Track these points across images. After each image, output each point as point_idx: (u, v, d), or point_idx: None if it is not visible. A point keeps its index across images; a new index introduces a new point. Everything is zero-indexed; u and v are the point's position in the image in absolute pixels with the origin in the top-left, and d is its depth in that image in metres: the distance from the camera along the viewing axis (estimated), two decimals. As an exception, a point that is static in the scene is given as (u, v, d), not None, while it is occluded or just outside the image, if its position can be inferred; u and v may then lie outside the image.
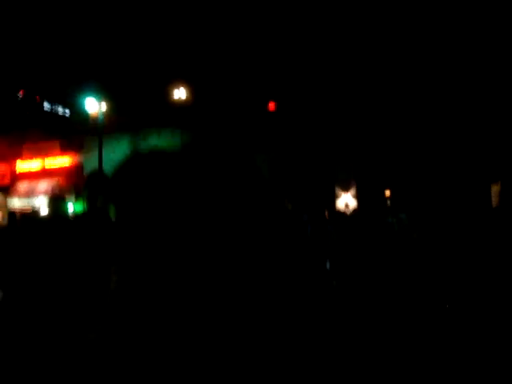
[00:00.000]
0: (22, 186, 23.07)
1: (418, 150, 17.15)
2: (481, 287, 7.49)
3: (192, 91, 20.85)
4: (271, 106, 20.95)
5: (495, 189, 15.39)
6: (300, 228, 10.73)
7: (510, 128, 15.46)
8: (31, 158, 23.38)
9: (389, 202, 18.60)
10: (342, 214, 14.15)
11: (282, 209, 11.80)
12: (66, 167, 22.60)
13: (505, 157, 15.71)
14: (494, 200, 16.20)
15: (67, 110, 25.52)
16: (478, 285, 7.63)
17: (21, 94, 26.08)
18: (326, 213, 11.88)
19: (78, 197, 22.44)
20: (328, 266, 10.32)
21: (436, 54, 17.21)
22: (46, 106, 25.66)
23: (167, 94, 20.83)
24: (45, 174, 22.68)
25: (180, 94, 20.83)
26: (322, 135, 18.81)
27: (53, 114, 25.63)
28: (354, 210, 16.50)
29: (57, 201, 8.58)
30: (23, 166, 23.57)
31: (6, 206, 23.05)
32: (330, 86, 19.13)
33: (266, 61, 20.70)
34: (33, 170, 23.18)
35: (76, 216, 13.08)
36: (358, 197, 18.56)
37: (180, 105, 20.61)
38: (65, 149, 22.64)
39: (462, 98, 16.62)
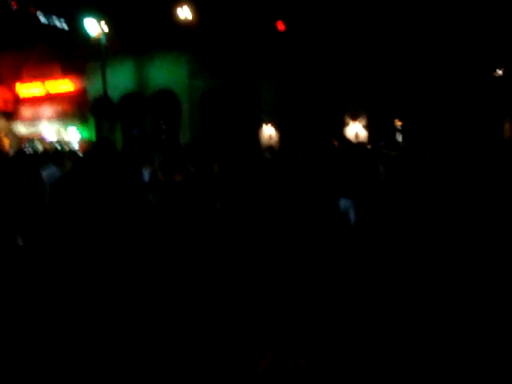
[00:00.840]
0: (26, 111, 22.71)
1: (431, 79, 16.64)
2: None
3: (197, 11, 19.75)
4: (280, 25, 19.97)
5: (507, 126, 15.29)
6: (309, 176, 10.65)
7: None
8: (32, 81, 22.74)
9: (400, 132, 18.45)
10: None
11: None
12: (69, 92, 22.08)
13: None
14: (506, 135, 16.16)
15: (65, 25, 24.31)
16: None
17: (13, 5, 24.69)
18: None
19: (83, 122, 22.21)
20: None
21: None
22: (42, 18, 24.37)
23: (172, 15, 19.75)
24: (48, 98, 22.21)
25: (184, 13, 19.75)
26: (333, 60, 18.15)
27: (50, 27, 24.40)
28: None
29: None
30: (25, 90, 23.00)
31: (11, 131, 22.88)
32: (344, 5, 18.08)
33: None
34: (35, 95, 22.67)
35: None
36: (368, 126, 18.38)
37: (185, 26, 19.63)
38: (66, 72, 21.95)
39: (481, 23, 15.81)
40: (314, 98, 18.75)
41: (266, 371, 1.98)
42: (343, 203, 9.80)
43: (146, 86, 21.26)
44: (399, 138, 18.31)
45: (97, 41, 18.98)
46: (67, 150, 17.81)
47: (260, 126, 20.00)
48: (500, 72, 15.65)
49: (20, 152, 12.52)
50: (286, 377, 1.94)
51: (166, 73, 20.68)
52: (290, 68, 18.90)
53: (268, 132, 19.79)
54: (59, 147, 20.29)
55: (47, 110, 21.98)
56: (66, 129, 22.07)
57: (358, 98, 18.32)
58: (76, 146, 21.60)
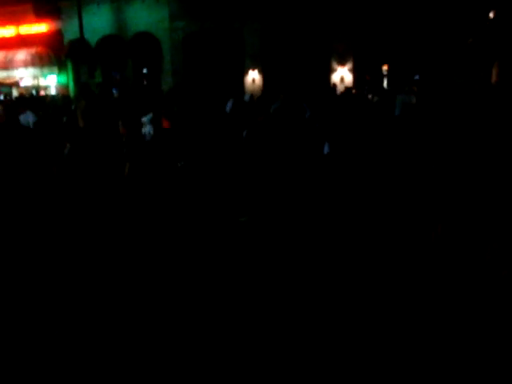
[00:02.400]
0: (-2, 56, 21.63)
1: (420, 22, 16.12)
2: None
3: None
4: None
5: (494, 71, 14.96)
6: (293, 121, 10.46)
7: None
8: (3, 25, 21.49)
9: (386, 77, 18.05)
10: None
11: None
12: (43, 35, 20.98)
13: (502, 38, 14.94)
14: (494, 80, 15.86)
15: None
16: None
17: None
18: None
19: (60, 67, 21.34)
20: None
21: None
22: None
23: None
24: (21, 42, 21.09)
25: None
26: (319, 2, 17.45)
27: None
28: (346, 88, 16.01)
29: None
30: (-5, 34, 21.77)
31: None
32: None
33: None
34: (7, 37, 21.47)
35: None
36: (354, 71, 17.95)
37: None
38: (40, 14, 20.77)
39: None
40: (299, 41, 18.16)
41: (439, 237, 2.05)
42: (327, 148, 9.86)
43: (125, 28, 20.32)
44: (385, 83, 17.95)
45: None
46: (44, 95, 17.22)
47: (244, 71, 19.44)
48: (491, 15, 15.21)
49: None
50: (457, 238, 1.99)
51: (145, 14, 19.77)
52: (275, 9, 18.16)
53: (252, 76, 19.25)
54: (35, 93, 19.60)
55: (21, 55, 20.94)
56: (42, 74, 21.18)
57: (345, 42, 17.78)
58: (53, 91, 20.87)
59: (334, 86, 17.08)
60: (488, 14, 14.55)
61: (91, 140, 4.80)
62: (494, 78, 15.95)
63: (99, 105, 10.54)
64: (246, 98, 13.74)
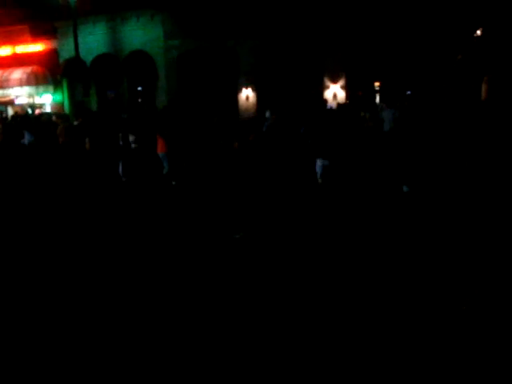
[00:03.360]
0: (-6, 74, 21.80)
1: (410, 40, 16.41)
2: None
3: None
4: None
5: (484, 87, 15.15)
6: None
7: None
8: (-1, 44, 21.72)
9: (378, 93, 18.29)
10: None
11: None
12: (39, 54, 21.20)
13: (493, 54, 15.21)
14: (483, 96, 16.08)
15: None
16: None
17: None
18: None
19: (56, 86, 21.51)
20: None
21: None
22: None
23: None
24: (17, 62, 21.29)
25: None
26: (312, 21, 17.74)
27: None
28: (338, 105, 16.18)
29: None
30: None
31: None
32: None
33: None
34: (3, 57, 21.68)
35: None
36: (346, 88, 18.19)
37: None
38: (36, 34, 21.02)
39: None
40: (292, 58, 18.42)
41: None
42: (320, 163, 9.94)
43: (120, 47, 20.54)
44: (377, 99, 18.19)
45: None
46: (40, 113, 17.30)
47: (238, 89, 19.66)
48: (479, 32, 15.51)
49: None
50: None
51: (140, 33, 20.01)
52: (268, 28, 18.44)
53: (245, 94, 19.47)
54: (31, 111, 19.71)
55: (17, 74, 21.12)
56: (37, 92, 21.35)
57: (338, 59, 18.05)
58: (48, 109, 20.99)
59: (326, 101, 17.29)
60: (476, 31, 14.86)
61: (68, 155, 4.98)
62: (483, 94, 16.21)
63: (94, 123, 10.63)
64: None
